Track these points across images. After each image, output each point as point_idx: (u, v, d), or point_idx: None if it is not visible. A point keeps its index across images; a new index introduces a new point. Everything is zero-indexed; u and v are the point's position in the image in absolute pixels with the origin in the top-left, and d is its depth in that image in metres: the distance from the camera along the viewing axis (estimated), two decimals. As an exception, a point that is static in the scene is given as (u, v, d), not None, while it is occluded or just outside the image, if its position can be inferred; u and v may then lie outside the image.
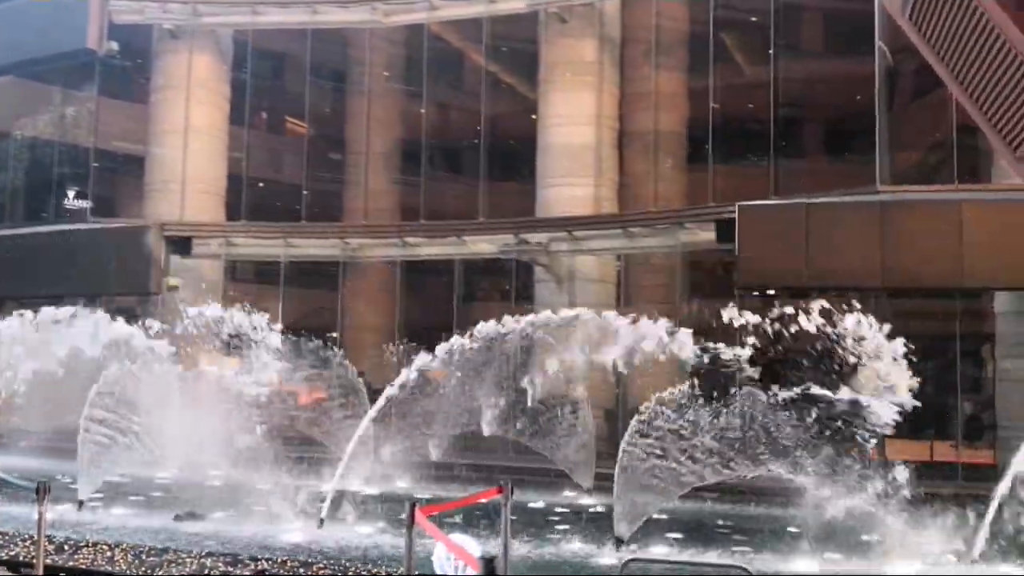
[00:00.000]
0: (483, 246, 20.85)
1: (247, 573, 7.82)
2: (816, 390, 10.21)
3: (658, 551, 10.26)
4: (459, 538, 7.32)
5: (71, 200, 22.80)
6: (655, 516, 12.46)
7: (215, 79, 23.51)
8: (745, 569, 6.32)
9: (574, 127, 20.63)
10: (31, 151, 24.22)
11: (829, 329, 10.70)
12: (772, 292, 17.30)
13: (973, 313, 17.41)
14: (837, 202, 16.56)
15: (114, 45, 22.67)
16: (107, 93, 23.81)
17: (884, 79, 16.57)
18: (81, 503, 11.98)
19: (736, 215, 16.91)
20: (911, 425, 14.16)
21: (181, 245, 21.80)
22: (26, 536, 8.68)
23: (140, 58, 23.95)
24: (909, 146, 18.65)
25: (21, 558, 8.18)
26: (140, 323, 13.70)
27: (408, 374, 12.62)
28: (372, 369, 23.18)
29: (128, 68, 23.36)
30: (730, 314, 10.57)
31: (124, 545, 8.87)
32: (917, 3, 2.75)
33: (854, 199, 16.46)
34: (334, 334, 22.98)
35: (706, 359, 10.51)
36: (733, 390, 10.94)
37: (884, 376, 10.43)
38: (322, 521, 11.13)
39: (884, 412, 9.91)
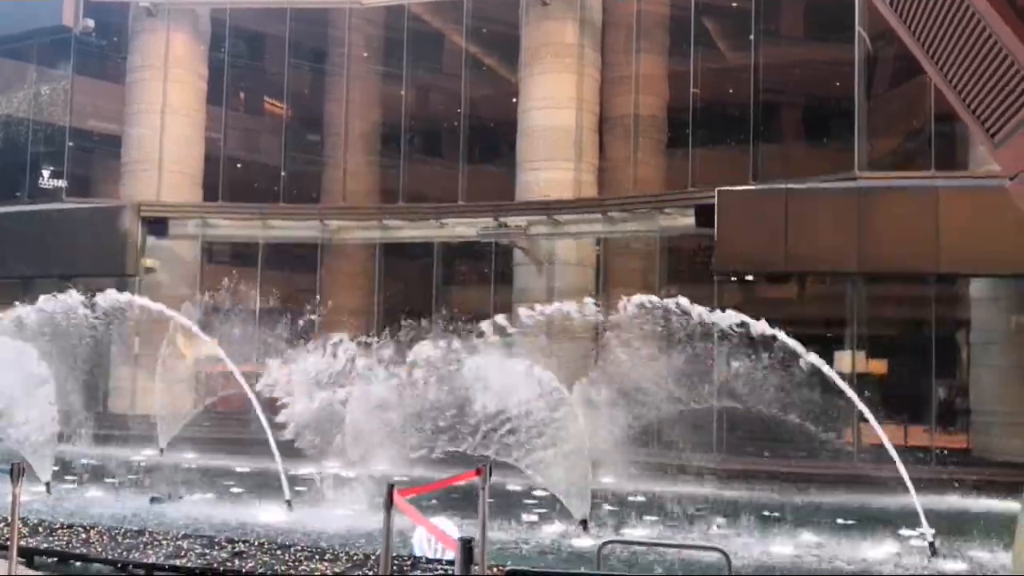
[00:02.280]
0: (462, 229, 20.82)
1: (224, 555, 7.80)
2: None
3: (635, 533, 10.34)
4: (437, 520, 7.33)
5: (46, 180, 22.56)
6: (632, 498, 12.55)
7: (193, 58, 23.27)
8: (721, 550, 6.37)
9: (555, 110, 20.58)
10: (4, 129, 23.90)
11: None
12: (750, 277, 17.41)
13: (949, 299, 17.57)
14: (815, 188, 16.63)
15: (90, 23, 22.41)
16: (83, 72, 23.53)
17: (863, 66, 16.63)
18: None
19: (715, 200, 16.97)
20: (886, 409, 14.32)
21: (158, 226, 21.62)
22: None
23: (117, 36, 23.68)
24: (887, 132, 18.76)
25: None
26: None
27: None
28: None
29: (104, 47, 23.08)
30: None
31: (99, 527, 8.82)
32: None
33: (832, 185, 16.54)
34: (313, 316, 22.90)
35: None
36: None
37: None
38: (289, 503, 11.17)
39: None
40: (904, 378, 17.90)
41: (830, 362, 17.03)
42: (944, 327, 17.23)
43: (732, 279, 18.64)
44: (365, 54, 24.87)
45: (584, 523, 10.23)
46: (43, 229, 21.38)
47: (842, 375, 16.32)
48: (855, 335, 16.85)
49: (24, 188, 23.52)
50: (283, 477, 11.60)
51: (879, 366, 18.25)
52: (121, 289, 22.18)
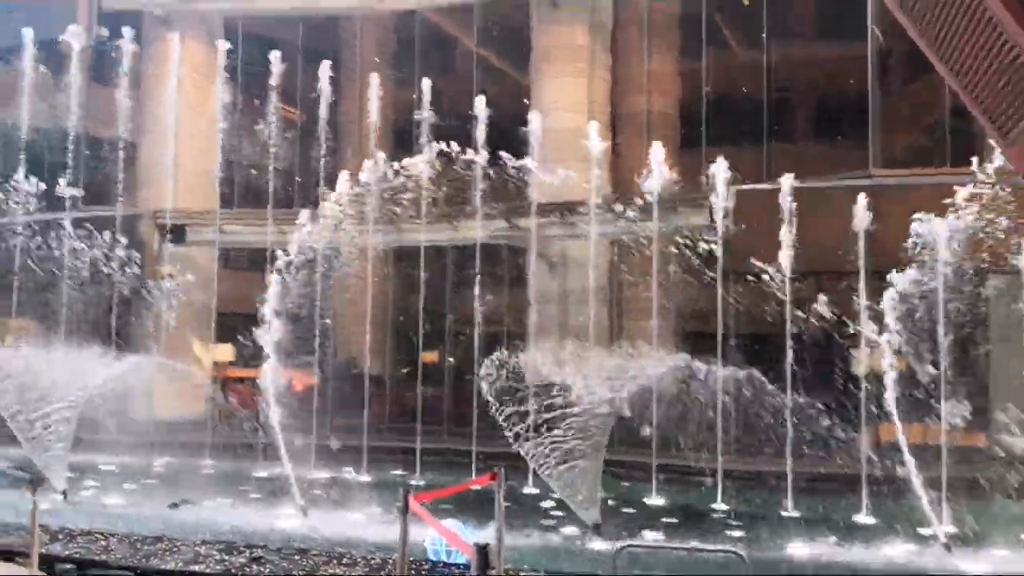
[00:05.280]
0: (474, 232, 20.83)
1: (242, 560, 7.83)
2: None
3: (652, 537, 10.32)
4: (452, 524, 7.34)
5: (62, 188, 22.69)
6: (649, 502, 12.54)
7: (206, 66, 23.34)
8: (738, 552, 6.35)
9: (566, 112, 20.57)
10: (21, 138, 24.02)
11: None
12: (765, 275, 17.33)
13: (967, 296, 17.43)
14: (829, 186, 16.56)
15: (104, 31, 22.54)
16: (98, 80, 23.66)
17: (877, 63, 16.56)
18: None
19: (729, 199, 16.90)
20: (904, 408, 14.24)
21: (174, 233, 21.74)
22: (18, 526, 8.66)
23: (131, 44, 23.79)
24: (902, 130, 18.66)
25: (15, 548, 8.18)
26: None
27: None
28: (364, 356, 23.20)
29: (118, 53, 23.18)
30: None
31: (118, 534, 8.87)
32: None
33: (846, 183, 16.46)
34: (327, 320, 22.96)
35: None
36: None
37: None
38: (304, 509, 11.22)
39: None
40: (922, 376, 17.78)
41: (847, 361, 17.03)
42: (962, 324, 17.10)
43: (748, 278, 18.57)
44: (377, 58, 24.92)
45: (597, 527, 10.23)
46: (60, 238, 21.50)
47: (858, 375, 16.30)
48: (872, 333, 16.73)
49: (40, 197, 23.64)
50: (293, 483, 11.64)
51: (900, 364, 18.12)
52: (138, 296, 22.46)
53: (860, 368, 16.80)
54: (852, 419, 14.16)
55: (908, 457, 10.65)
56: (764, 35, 18.70)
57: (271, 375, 13.82)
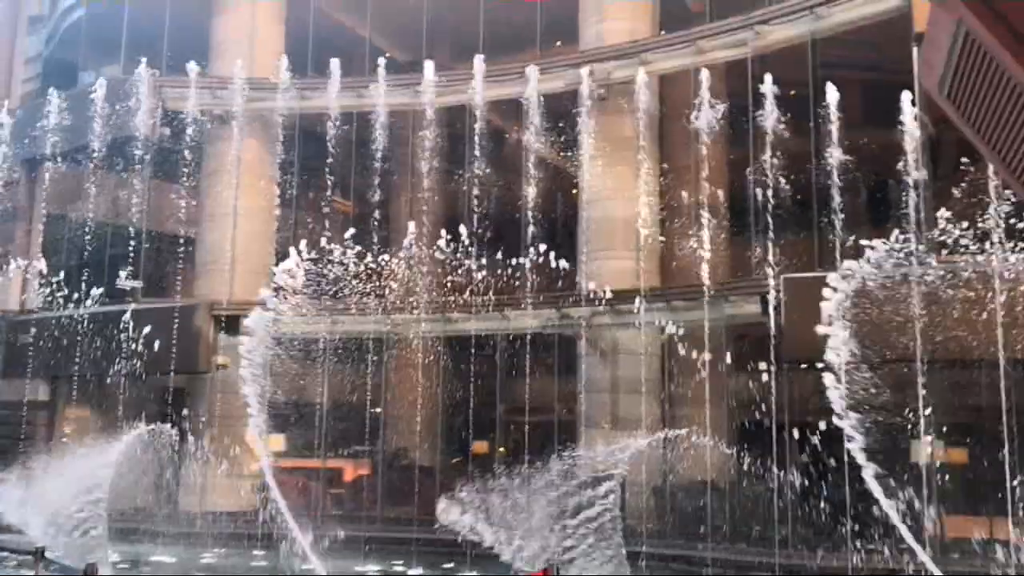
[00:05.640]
0: (526, 321, 20.90)
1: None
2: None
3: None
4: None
5: (123, 280, 23.29)
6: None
7: (263, 162, 24.04)
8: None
9: (615, 202, 20.78)
10: (85, 232, 24.81)
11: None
12: (819, 365, 17.07)
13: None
14: (882, 273, 16.38)
15: (166, 131, 23.38)
16: (159, 176, 24.46)
17: (925, 150, 16.54)
18: None
19: (780, 287, 16.83)
20: (969, 502, 13.82)
21: (230, 324, 22.12)
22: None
23: (191, 142, 24.61)
24: (952, 215, 18.49)
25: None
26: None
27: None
28: (416, 446, 23.17)
29: (179, 151, 23.99)
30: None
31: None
32: (954, 81, 2.77)
33: (897, 269, 16.28)
34: (378, 410, 23.04)
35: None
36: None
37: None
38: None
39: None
40: (985, 467, 17.27)
41: (907, 451, 16.61)
42: (1021, 414, 16.66)
43: (802, 366, 18.33)
44: (428, 152, 25.47)
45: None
46: (119, 328, 21.99)
47: (919, 465, 15.88)
48: (931, 422, 16.37)
49: (102, 289, 24.29)
50: None
51: (959, 455, 17.66)
52: (193, 386, 22.78)
53: (921, 457, 16.40)
54: (915, 511, 13.74)
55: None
56: (811, 123, 18.79)
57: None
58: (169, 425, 18.54)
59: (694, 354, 20.71)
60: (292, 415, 22.33)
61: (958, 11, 2.37)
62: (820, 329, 13.36)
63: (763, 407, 17.00)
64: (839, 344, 12.92)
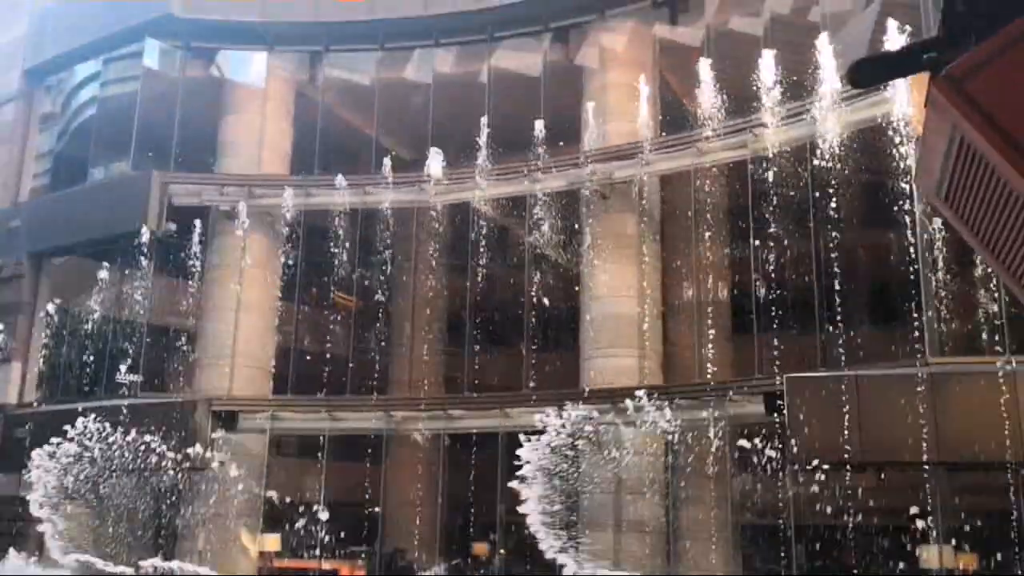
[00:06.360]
0: (528, 418, 20.70)
1: None
2: None
3: None
4: None
5: (122, 374, 23.19)
6: None
7: (268, 257, 24.19)
8: None
9: (617, 299, 20.80)
10: (87, 326, 24.82)
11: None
12: (825, 466, 16.85)
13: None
14: (885, 374, 16.31)
15: (172, 226, 23.58)
16: (161, 271, 24.58)
17: (926, 250, 16.62)
18: None
19: (783, 387, 16.70)
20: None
21: (228, 420, 21.93)
22: None
23: (196, 237, 24.80)
24: (957, 316, 18.48)
25: None
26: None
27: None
28: (414, 546, 22.72)
29: (184, 247, 24.18)
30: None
31: None
32: (951, 184, 2.79)
33: (902, 370, 16.20)
34: (377, 508, 22.66)
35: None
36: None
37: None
38: None
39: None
40: (995, 571, 16.87)
41: (915, 557, 16.25)
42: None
43: (808, 467, 18.07)
44: (431, 248, 25.65)
45: None
46: (116, 423, 21.77)
47: (930, 571, 15.51)
48: (940, 527, 16.04)
49: (101, 383, 24.18)
50: None
51: (969, 560, 17.26)
52: (189, 483, 22.44)
53: (930, 562, 16.03)
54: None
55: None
56: (811, 224, 18.94)
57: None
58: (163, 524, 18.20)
59: (697, 454, 20.48)
60: (290, 513, 21.96)
61: (953, 116, 2.37)
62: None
63: (767, 508, 16.71)
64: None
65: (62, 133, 28.73)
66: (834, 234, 18.06)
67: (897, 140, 16.61)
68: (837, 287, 17.89)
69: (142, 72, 25.78)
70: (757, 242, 19.68)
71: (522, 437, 17.56)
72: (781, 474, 16.87)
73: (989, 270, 15.25)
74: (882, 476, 18.40)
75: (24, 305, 25.69)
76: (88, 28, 26.90)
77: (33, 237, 25.80)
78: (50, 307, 25.14)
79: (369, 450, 22.89)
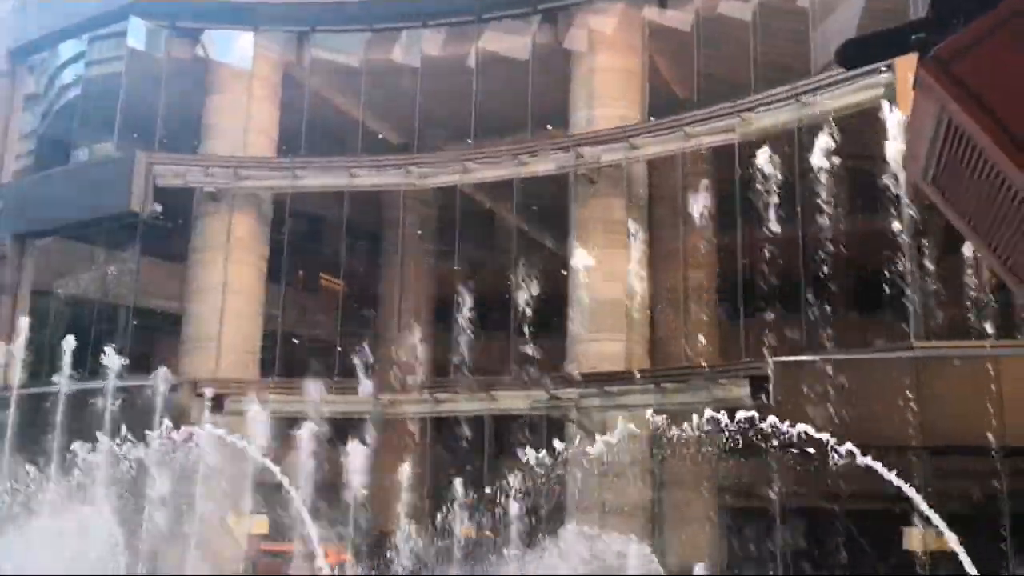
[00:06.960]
0: (514, 402, 20.73)
1: None
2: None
3: None
4: None
5: (107, 357, 23.06)
6: None
7: (254, 239, 24.07)
8: None
9: (604, 284, 20.80)
10: (71, 309, 24.68)
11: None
12: (810, 449, 16.92)
13: (1018, 471, 16.85)
14: (871, 358, 16.37)
15: (157, 207, 23.42)
16: (148, 252, 24.43)
17: (913, 235, 16.66)
18: None
19: (770, 371, 16.75)
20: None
21: (214, 403, 21.84)
22: None
23: (181, 219, 24.66)
24: (943, 301, 18.56)
25: None
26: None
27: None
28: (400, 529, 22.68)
29: (169, 228, 24.04)
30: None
31: None
32: (938, 167, 2.79)
33: (888, 355, 16.27)
34: (364, 491, 22.64)
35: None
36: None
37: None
38: None
39: None
40: (979, 555, 16.99)
41: (898, 539, 16.35)
42: (1016, 501, 16.45)
43: (793, 451, 18.16)
44: (419, 232, 25.60)
45: None
46: (100, 406, 21.67)
47: (913, 552, 15.61)
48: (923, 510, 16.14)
49: (86, 366, 24.04)
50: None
51: (941, 543, 17.37)
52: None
53: (913, 544, 16.12)
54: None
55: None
56: (798, 208, 18.96)
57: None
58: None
59: (682, 437, 20.53)
60: (277, 496, 21.93)
61: (941, 97, 2.34)
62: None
63: (751, 491, 16.78)
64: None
65: (46, 113, 28.48)
66: (821, 219, 18.08)
67: (885, 125, 16.61)
68: (824, 271, 17.92)
69: (127, 52, 25.54)
70: (743, 227, 19.70)
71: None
72: (766, 457, 16.92)
73: (976, 253, 15.33)
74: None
75: (7, 287, 25.51)
76: (72, 7, 26.64)
77: (16, 218, 25.60)
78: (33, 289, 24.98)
79: (355, 433, 22.86)
